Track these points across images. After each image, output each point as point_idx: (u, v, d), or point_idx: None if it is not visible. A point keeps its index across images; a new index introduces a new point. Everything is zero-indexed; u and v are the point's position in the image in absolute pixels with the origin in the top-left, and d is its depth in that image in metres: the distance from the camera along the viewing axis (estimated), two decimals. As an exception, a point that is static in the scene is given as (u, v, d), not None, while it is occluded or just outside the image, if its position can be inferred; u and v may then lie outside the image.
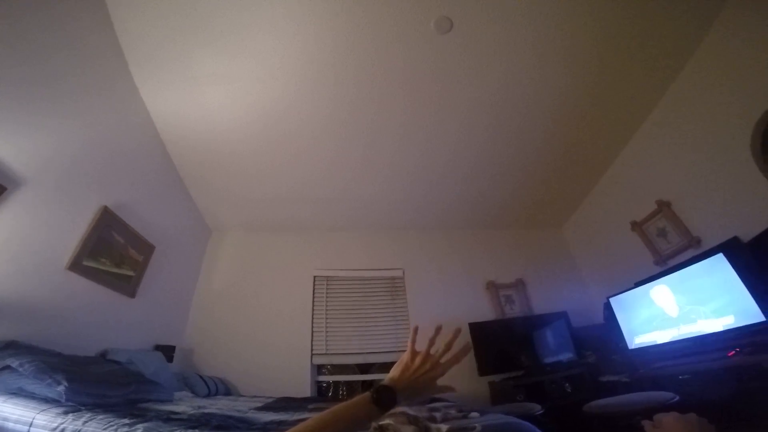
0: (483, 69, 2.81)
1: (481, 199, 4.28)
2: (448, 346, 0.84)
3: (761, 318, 2.18)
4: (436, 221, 4.60)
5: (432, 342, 0.84)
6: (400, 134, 3.30)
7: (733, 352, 2.25)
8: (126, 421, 1.38)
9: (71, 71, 2.19)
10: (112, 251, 2.60)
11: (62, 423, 1.32)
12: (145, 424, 1.37)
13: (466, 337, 3.62)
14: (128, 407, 1.74)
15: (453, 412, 1.59)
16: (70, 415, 1.38)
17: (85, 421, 1.35)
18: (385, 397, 0.72)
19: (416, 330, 0.89)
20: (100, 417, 1.40)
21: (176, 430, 1.35)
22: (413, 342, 0.86)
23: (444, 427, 1.23)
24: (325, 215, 4.34)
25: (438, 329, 0.83)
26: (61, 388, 1.50)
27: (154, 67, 2.64)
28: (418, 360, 0.81)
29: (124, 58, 2.55)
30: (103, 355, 2.32)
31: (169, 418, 1.56)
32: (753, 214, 2.47)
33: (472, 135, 3.38)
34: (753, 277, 2.30)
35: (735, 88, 2.58)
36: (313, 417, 0.65)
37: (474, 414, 1.53)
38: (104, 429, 1.31)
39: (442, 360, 0.82)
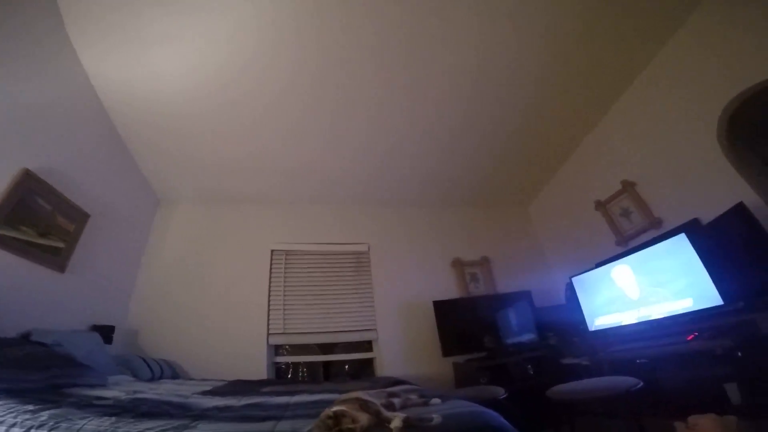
0: (458, 40, 2.68)
1: (451, 177, 4.22)
2: None
3: (719, 301, 2.19)
4: (404, 197, 4.52)
5: None
6: (370, 108, 3.15)
7: (692, 336, 2.26)
8: (30, 407, 1.20)
9: None
10: (36, 219, 2.32)
11: (-49, 414, 1.12)
12: (53, 411, 1.20)
13: (431, 315, 3.63)
14: (48, 392, 1.54)
15: (414, 397, 1.50)
16: (-36, 402, 1.18)
17: (-20, 409, 1.15)
18: None
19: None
20: (1, 403, 1.21)
21: (88, 417, 1.17)
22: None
23: (400, 416, 1.14)
24: (287, 187, 4.14)
25: None
26: (-40, 373, 1.29)
27: (96, 30, 2.41)
28: None
29: (61, 18, 2.32)
30: (25, 337, 2.06)
31: (89, 404, 1.39)
32: (713, 197, 2.52)
33: (444, 113, 3.29)
34: (712, 259, 2.31)
35: (705, 74, 2.63)
36: None
37: (435, 400, 1.45)
38: (2, 415, 1.12)
39: None
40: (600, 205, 3.55)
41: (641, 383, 1.87)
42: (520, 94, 3.20)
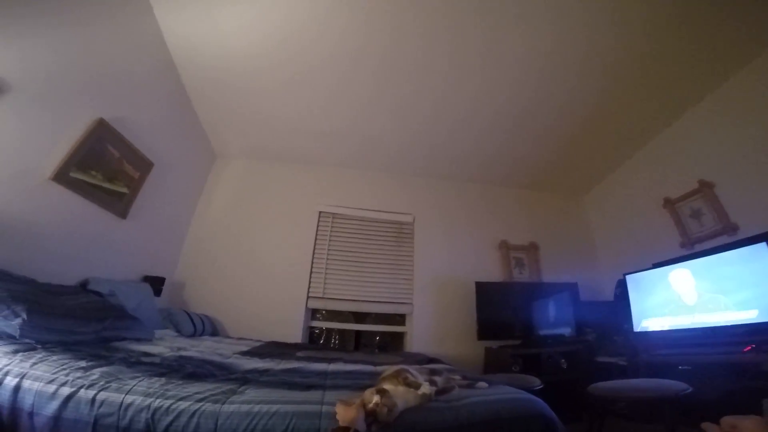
0: (510, 12, 2.45)
1: (501, 153, 4.00)
2: None
3: (788, 316, 1.99)
4: (450, 170, 4.37)
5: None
6: (414, 74, 2.99)
7: (750, 347, 2.10)
8: (83, 363, 1.25)
9: None
10: (105, 164, 2.41)
11: (7, 365, 1.17)
12: (105, 369, 1.24)
13: (471, 296, 3.56)
14: (98, 346, 1.62)
15: (457, 378, 1.48)
16: (19, 354, 1.24)
17: (35, 363, 1.19)
18: None
19: None
20: (55, 358, 1.26)
21: (139, 377, 1.20)
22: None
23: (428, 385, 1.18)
24: (333, 149, 4.08)
25: None
26: (17, 322, 1.37)
27: None
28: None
29: None
30: (83, 285, 2.18)
31: (138, 362, 1.44)
32: None
33: (496, 86, 3.06)
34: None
35: None
36: None
37: (482, 384, 1.40)
38: (54, 372, 1.15)
39: None
40: (669, 203, 3.29)
41: (690, 388, 1.76)
42: (581, 81, 2.97)
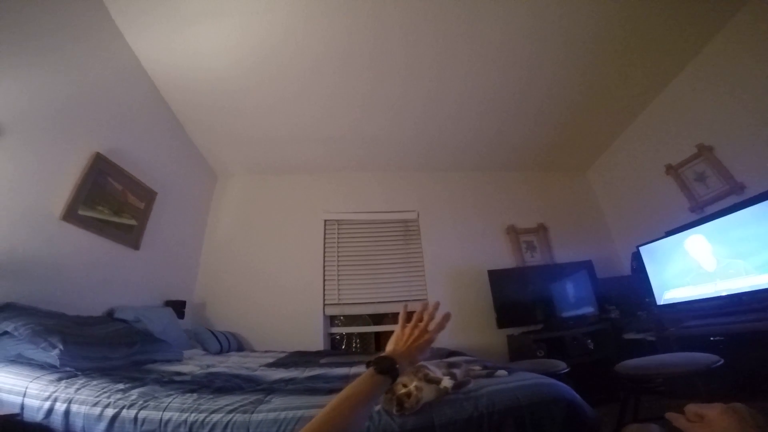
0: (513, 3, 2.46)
1: (499, 138, 3.98)
2: (431, 316, 0.96)
3: (814, 276, 1.95)
4: (450, 162, 4.36)
5: (420, 316, 0.96)
6: (405, 70, 3.00)
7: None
8: (121, 386, 1.31)
9: (47, 22, 2.04)
10: (110, 198, 2.48)
11: (54, 392, 1.25)
12: (141, 389, 1.31)
13: (485, 285, 3.54)
14: (132, 369, 1.69)
15: (477, 368, 1.48)
16: (63, 382, 1.31)
17: (78, 388, 1.27)
18: (387, 366, 0.79)
19: (405, 307, 1.01)
20: (95, 383, 1.33)
21: (173, 394, 1.27)
22: (403, 319, 0.96)
23: (448, 379, 1.19)
24: (332, 155, 4.11)
25: (425, 305, 0.98)
26: (55, 352, 1.44)
27: (137, 11, 2.43)
28: (408, 330, 0.93)
29: (104, 5, 2.39)
30: (110, 314, 2.27)
31: (171, 381, 1.50)
32: None
33: (486, 68, 3.03)
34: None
35: None
36: (326, 405, 0.65)
37: (501, 372, 1.41)
38: (97, 396, 1.23)
39: (429, 328, 0.93)
40: (671, 169, 3.26)
41: (722, 360, 1.72)
42: (570, 53, 2.92)
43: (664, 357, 1.99)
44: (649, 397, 2.32)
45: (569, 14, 2.59)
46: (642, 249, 3.12)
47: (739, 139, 2.74)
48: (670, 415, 0.66)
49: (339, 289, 3.78)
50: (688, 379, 1.76)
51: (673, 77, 3.18)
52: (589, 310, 3.45)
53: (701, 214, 3.00)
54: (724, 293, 2.44)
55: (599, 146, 4.24)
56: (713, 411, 0.60)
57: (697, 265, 2.66)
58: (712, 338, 2.33)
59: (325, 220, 4.08)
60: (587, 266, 3.63)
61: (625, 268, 3.64)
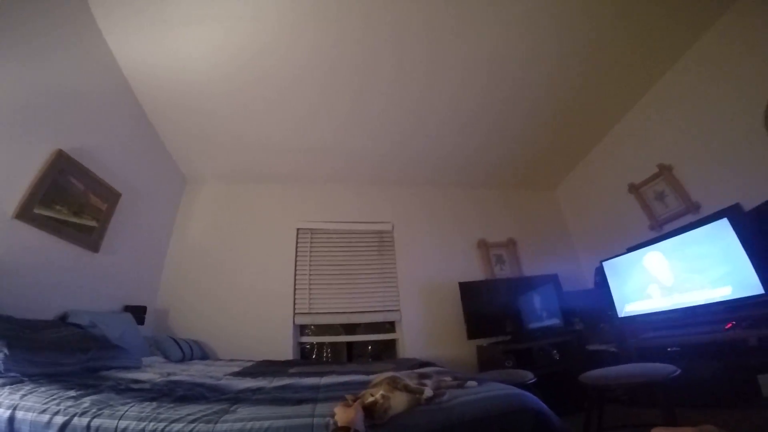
0: (478, 21, 2.54)
1: (474, 156, 4.09)
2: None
3: (761, 290, 2.09)
4: (427, 176, 4.43)
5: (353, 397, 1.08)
6: (390, 87, 3.04)
7: (731, 324, 2.18)
8: (72, 393, 1.23)
9: (17, 10, 1.93)
10: (70, 198, 2.35)
11: (-4, 398, 1.16)
12: (95, 397, 1.23)
13: (456, 297, 3.62)
14: (85, 376, 1.59)
15: (448, 379, 1.48)
16: (7, 388, 1.23)
17: (24, 395, 1.19)
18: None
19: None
20: (43, 389, 1.24)
21: (130, 402, 1.19)
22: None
23: (429, 388, 1.21)
24: (309, 166, 4.08)
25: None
26: (-1, 357, 1.33)
27: (120, 12, 2.37)
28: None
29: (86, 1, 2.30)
30: (62, 319, 2.13)
31: (128, 388, 1.42)
32: (756, 183, 2.43)
33: (466, 90, 3.14)
34: (755, 246, 2.20)
35: (751, 60, 2.47)
36: None
37: (471, 383, 1.42)
38: (45, 402, 1.14)
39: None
40: (633, 188, 3.42)
41: (679, 371, 1.80)
42: (539, 78, 3.06)
43: (625, 367, 2.05)
44: (613, 406, 2.40)
45: (537, 37, 2.70)
46: (605, 264, 3.26)
47: (695, 159, 2.90)
48: None
49: (310, 298, 3.73)
50: (648, 388, 1.83)
51: (639, 98, 3.35)
52: (555, 321, 3.54)
53: (660, 231, 3.16)
54: (680, 306, 2.56)
55: (568, 165, 4.42)
56: None
57: (656, 279, 2.79)
58: (669, 349, 2.45)
59: (298, 229, 4.03)
60: (553, 280, 3.75)
61: (589, 282, 3.80)
